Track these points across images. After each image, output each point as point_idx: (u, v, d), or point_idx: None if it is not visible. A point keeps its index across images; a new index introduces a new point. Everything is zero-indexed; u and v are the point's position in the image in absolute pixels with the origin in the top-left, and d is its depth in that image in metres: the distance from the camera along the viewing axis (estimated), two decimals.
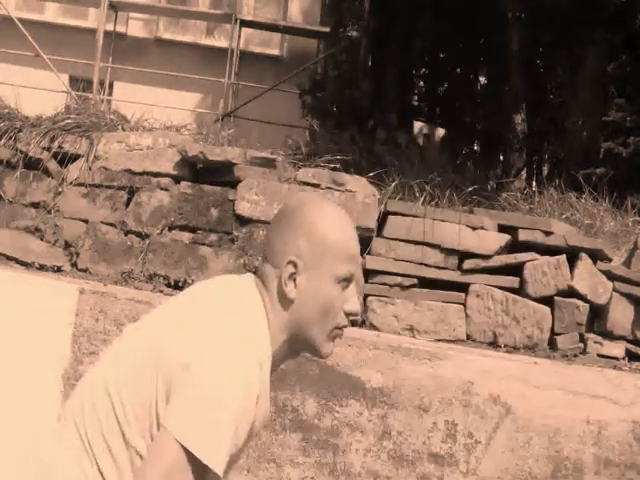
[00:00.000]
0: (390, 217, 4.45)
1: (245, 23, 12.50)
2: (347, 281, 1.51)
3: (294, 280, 1.49)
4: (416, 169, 5.62)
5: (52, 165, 4.88)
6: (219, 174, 4.69)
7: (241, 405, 1.36)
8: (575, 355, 4.20)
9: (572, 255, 4.36)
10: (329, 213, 1.54)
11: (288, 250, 1.49)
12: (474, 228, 4.42)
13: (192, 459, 1.33)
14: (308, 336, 1.51)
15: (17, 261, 4.57)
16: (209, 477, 1.37)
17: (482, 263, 4.37)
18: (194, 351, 1.38)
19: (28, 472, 1.52)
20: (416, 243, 4.40)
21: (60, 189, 4.80)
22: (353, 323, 1.59)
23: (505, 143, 11.57)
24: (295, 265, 1.49)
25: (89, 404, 1.44)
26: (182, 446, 1.33)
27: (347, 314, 1.52)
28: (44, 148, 4.91)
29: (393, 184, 4.72)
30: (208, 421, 1.34)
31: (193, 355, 1.37)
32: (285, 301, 1.50)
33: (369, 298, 4.34)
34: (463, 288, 4.35)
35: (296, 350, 1.56)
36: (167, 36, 13.12)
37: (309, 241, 1.49)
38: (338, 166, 4.86)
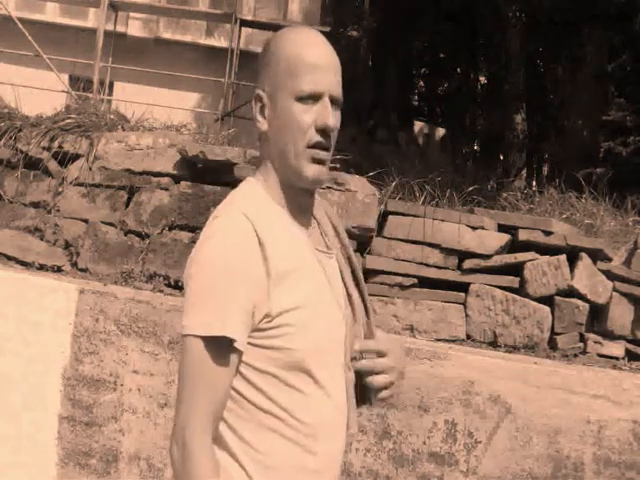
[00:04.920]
0: (390, 217, 4.45)
1: (245, 23, 12.50)
2: (313, 96, 1.45)
3: (263, 114, 1.49)
4: (416, 169, 5.63)
5: (52, 165, 4.88)
6: (219, 174, 4.69)
7: (232, 267, 1.37)
8: (575, 355, 4.20)
9: (572, 255, 4.35)
10: (285, 33, 1.49)
11: (257, 88, 1.50)
12: (474, 228, 4.42)
13: (201, 343, 1.35)
14: (288, 162, 1.47)
15: (17, 261, 4.57)
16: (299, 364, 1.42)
17: (482, 263, 4.37)
18: (188, 267, 1.45)
19: None
20: (416, 243, 4.39)
21: (60, 189, 4.80)
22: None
23: (505, 143, 11.59)
24: (260, 99, 1.49)
25: None
26: (190, 337, 1.36)
27: (318, 130, 1.45)
28: (44, 148, 4.91)
29: (393, 184, 4.72)
30: (197, 300, 1.38)
31: (188, 269, 1.44)
32: (265, 138, 1.50)
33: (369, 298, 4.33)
34: (463, 288, 4.35)
35: (293, 185, 1.50)
36: (167, 36, 13.11)
37: (269, 70, 1.48)
38: (338, 166, 4.86)
